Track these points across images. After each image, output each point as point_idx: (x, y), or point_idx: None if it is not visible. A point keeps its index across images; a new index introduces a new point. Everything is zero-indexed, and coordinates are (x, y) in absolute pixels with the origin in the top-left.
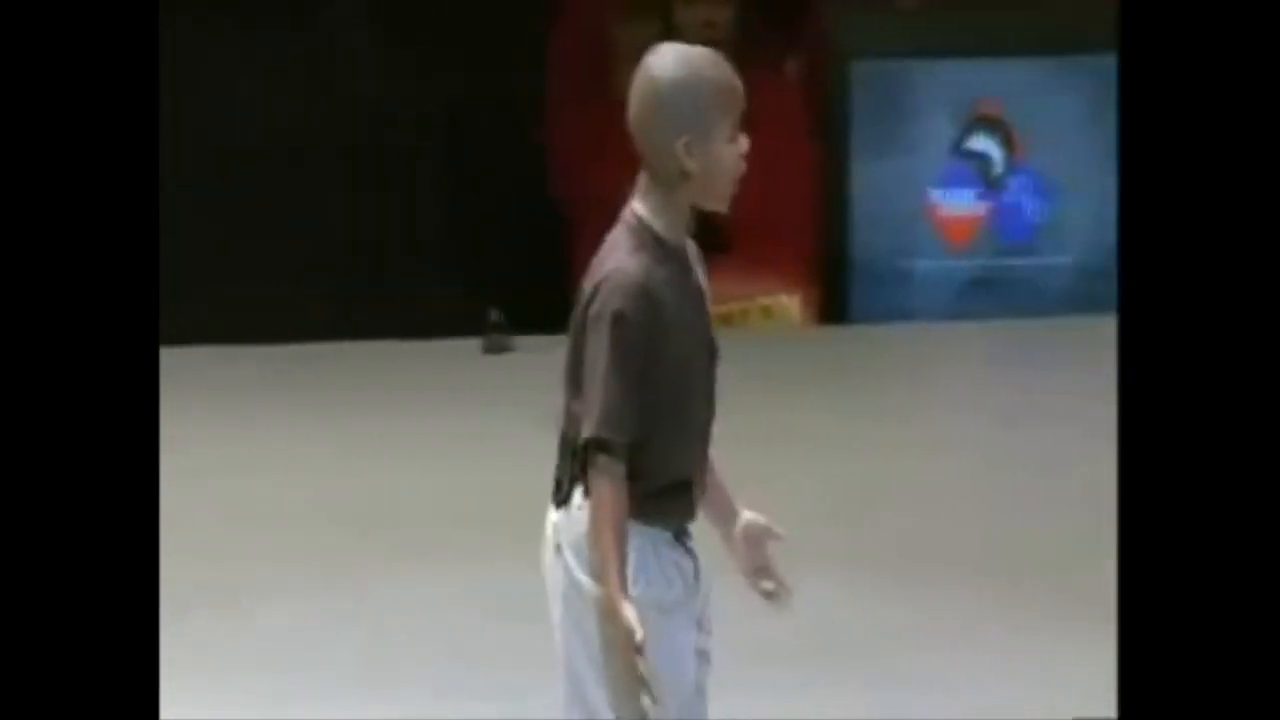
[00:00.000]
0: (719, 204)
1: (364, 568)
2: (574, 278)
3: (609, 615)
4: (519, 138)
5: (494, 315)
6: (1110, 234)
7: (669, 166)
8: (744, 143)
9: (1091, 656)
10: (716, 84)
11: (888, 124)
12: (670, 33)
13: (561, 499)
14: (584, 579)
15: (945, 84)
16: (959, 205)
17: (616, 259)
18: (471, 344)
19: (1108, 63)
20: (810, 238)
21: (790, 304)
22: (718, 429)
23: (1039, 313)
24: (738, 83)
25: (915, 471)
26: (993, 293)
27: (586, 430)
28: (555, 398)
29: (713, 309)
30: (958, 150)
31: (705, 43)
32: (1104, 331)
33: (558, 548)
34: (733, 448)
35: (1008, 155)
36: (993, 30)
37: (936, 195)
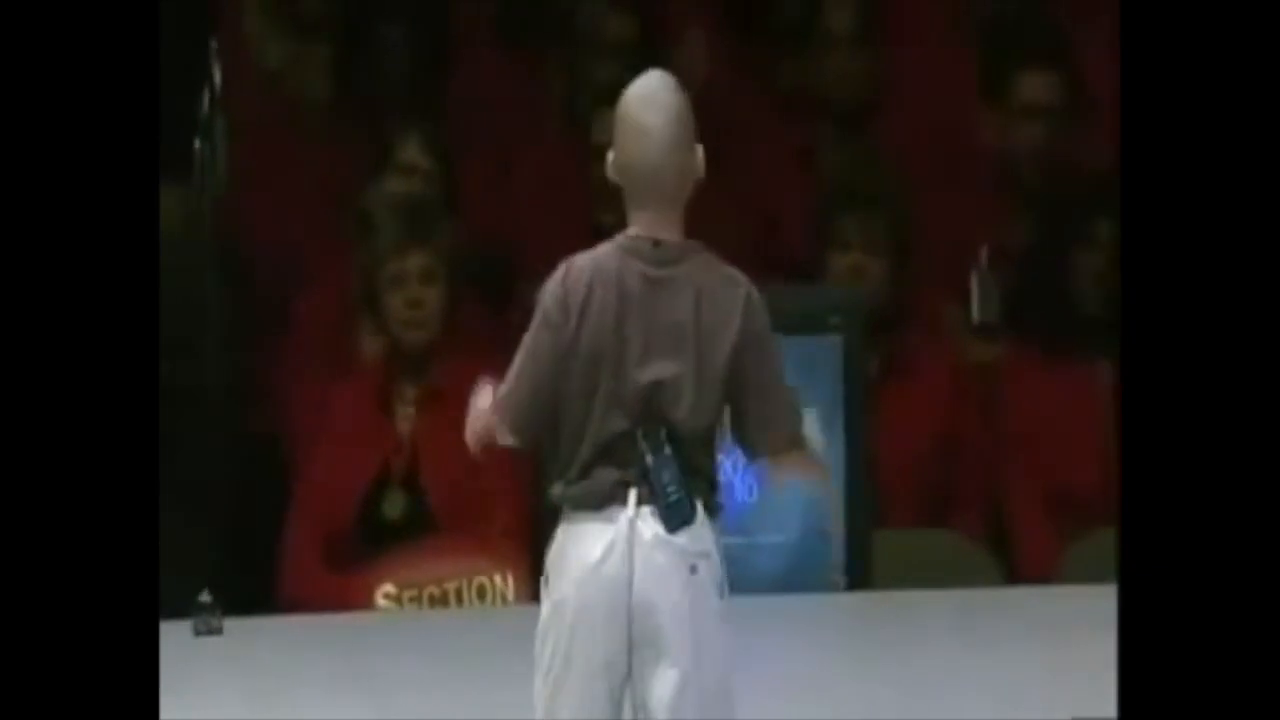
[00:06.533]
0: None
1: None
2: (285, 558)
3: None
4: (229, 420)
5: (204, 596)
6: (816, 517)
7: (690, 177)
8: None
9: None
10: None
11: None
12: (380, 317)
13: (686, 518)
14: (716, 587)
15: None
16: None
17: (728, 272)
18: (182, 626)
19: (813, 344)
20: (523, 517)
21: (502, 583)
22: None
23: (751, 591)
24: None
25: None
26: None
27: (793, 426)
28: (266, 679)
29: (425, 589)
30: None
31: (410, 324)
32: (812, 610)
33: (693, 568)
34: None
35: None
36: None
37: None
